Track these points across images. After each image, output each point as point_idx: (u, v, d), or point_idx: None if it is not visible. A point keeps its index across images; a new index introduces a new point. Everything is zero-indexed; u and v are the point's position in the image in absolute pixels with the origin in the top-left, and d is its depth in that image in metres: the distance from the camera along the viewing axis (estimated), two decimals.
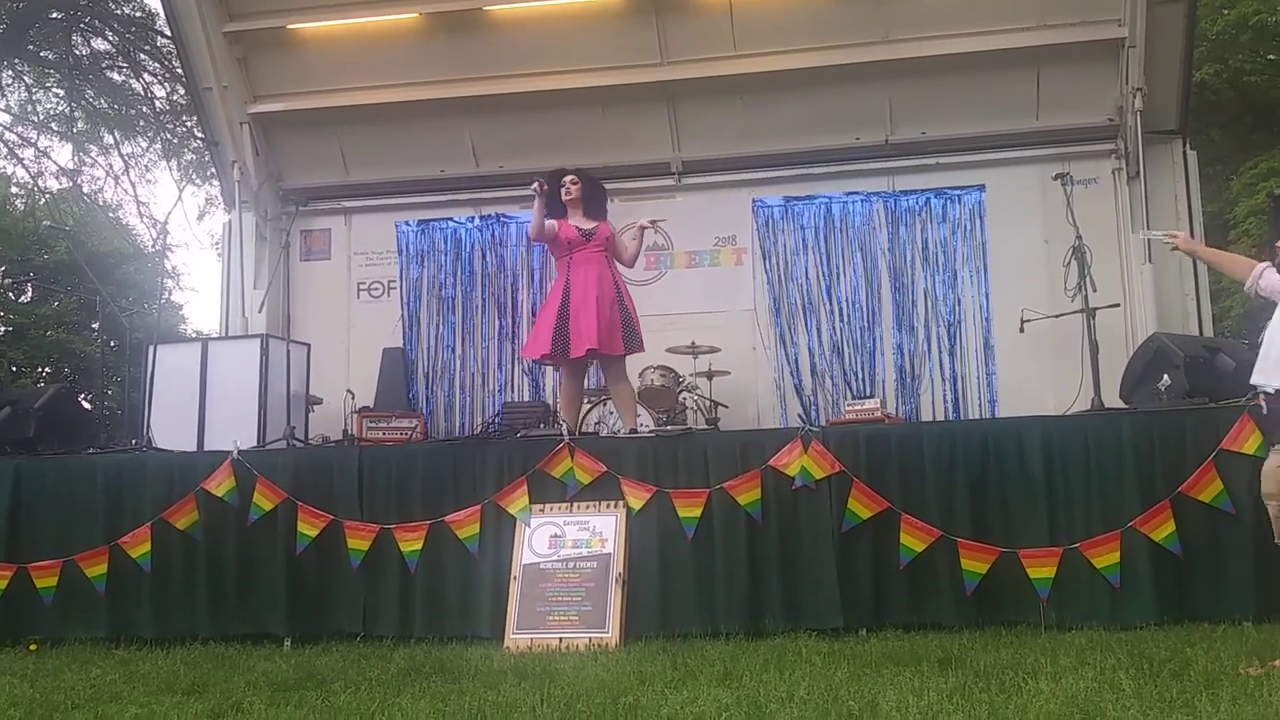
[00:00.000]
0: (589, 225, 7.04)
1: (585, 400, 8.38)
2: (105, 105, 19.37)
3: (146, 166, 20.55)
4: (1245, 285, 5.03)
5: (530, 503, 6.36)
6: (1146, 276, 8.58)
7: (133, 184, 20.60)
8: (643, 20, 9.20)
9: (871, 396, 8.76)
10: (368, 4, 9.38)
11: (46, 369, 22.57)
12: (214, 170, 11.86)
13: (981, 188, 9.37)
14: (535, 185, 6.93)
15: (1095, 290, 7.43)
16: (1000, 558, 5.83)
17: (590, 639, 5.88)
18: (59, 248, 20.97)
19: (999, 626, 5.65)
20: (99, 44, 18.93)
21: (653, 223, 7.34)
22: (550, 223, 7.00)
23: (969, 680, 4.36)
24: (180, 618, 6.56)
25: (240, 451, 6.71)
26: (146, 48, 18.84)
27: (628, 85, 9.41)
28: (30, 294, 23.01)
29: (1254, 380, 4.92)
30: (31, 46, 18.28)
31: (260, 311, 9.19)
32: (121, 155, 20.02)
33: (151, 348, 8.20)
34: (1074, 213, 7.59)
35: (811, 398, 9.33)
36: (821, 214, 9.60)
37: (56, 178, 20.69)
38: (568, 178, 7.19)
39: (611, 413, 8.04)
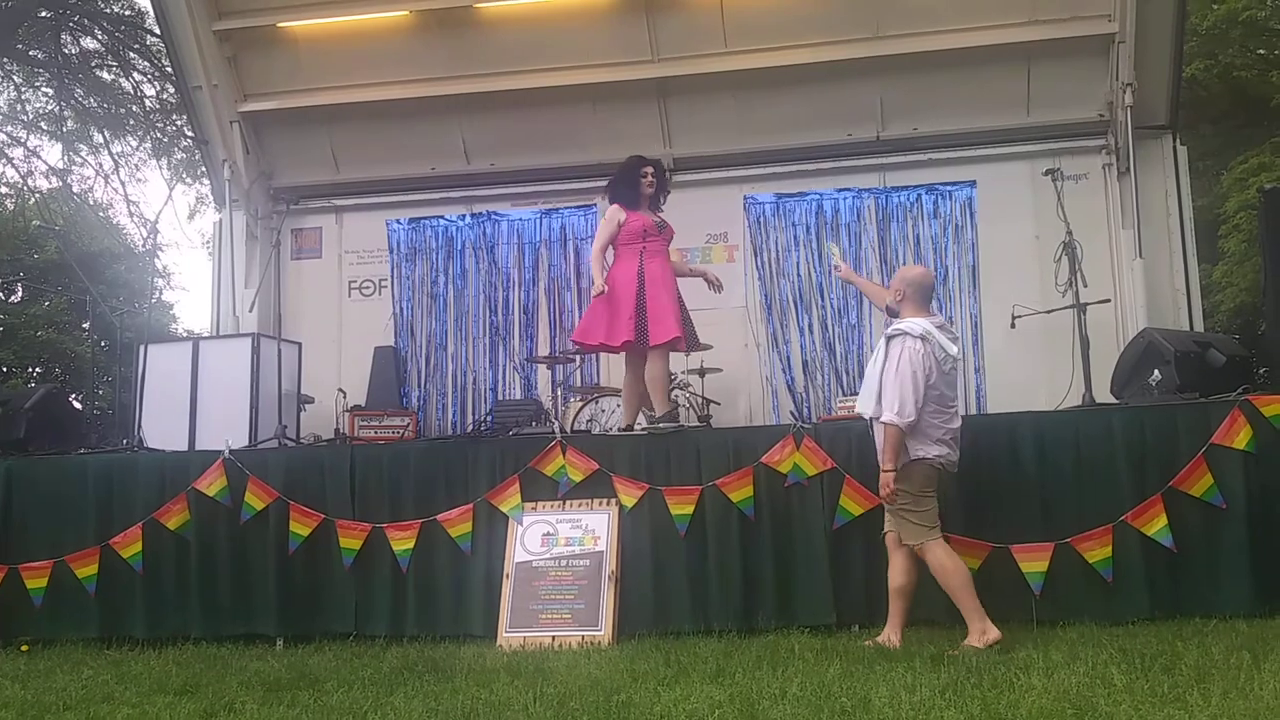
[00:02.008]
0: (658, 217, 7.03)
1: (579, 399, 8.38)
2: (95, 104, 19.31)
3: (136, 165, 20.51)
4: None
5: (522, 501, 6.37)
6: (1137, 272, 8.59)
7: (123, 183, 20.59)
8: (634, 17, 9.18)
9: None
10: (358, 1, 9.34)
11: (37, 369, 22.51)
12: (204, 169, 11.83)
13: (972, 184, 9.37)
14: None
15: (1086, 286, 7.44)
16: (992, 553, 5.84)
17: (583, 637, 5.89)
18: (49, 247, 20.92)
19: (991, 622, 5.65)
20: (88, 43, 18.89)
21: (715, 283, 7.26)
22: (611, 226, 6.90)
23: (961, 676, 4.36)
24: (172, 618, 6.56)
25: (232, 451, 6.70)
26: (136, 46, 18.78)
27: (619, 82, 9.39)
28: (20, 294, 22.94)
29: (857, 409, 5.64)
30: (20, 45, 18.21)
31: (251, 310, 9.15)
32: (111, 154, 19.99)
33: (142, 347, 8.18)
34: (1064, 208, 7.60)
35: (803, 394, 9.33)
36: (813, 210, 9.59)
37: (46, 177, 20.65)
38: (648, 169, 7.10)
39: (604, 410, 8.03)
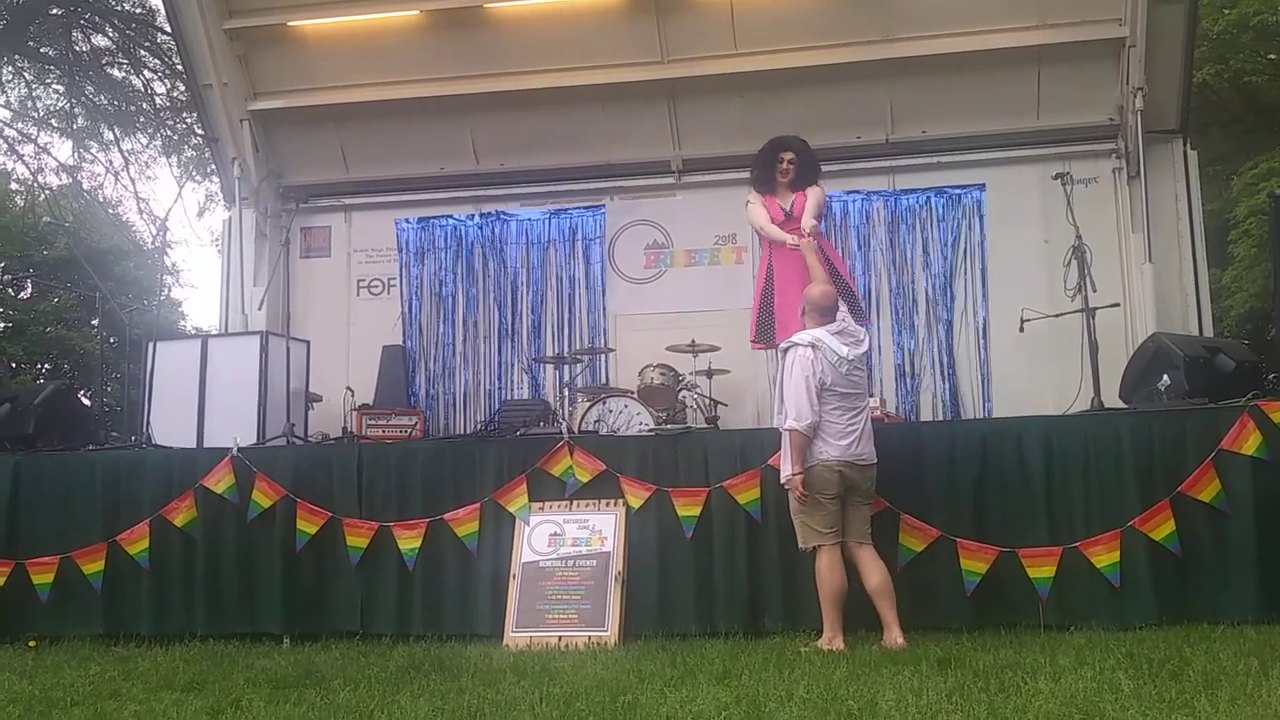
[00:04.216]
0: (788, 201, 6.83)
1: (586, 399, 8.36)
2: (105, 101, 19.33)
3: (146, 163, 20.53)
4: None
5: (530, 501, 6.38)
6: (1146, 276, 8.56)
7: (132, 180, 20.59)
8: (643, 18, 9.18)
9: (871, 396, 8.71)
10: (368, 1, 9.36)
11: (46, 365, 22.55)
12: (214, 167, 11.85)
13: (982, 187, 9.34)
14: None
15: (1095, 290, 7.42)
16: (1000, 557, 5.84)
17: (589, 637, 5.90)
18: (59, 244, 20.93)
19: (998, 627, 5.66)
20: (99, 40, 18.91)
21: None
22: (759, 208, 6.82)
23: (968, 680, 4.36)
24: (178, 615, 6.58)
25: (240, 448, 6.72)
26: (146, 44, 18.81)
27: (628, 83, 9.38)
28: (30, 290, 22.97)
29: (775, 422, 5.95)
30: (32, 43, 18.26)
31: (260, 308, 9.17)
32: (121, 152, 20.01)
33: (151, 344, 8.19)
34: (1074, 212, 7.58)
35: None
36: None
37: (56, 174, 20.68)
38: (787, 156, 6.87)
39: (611, 411, 8.01)
